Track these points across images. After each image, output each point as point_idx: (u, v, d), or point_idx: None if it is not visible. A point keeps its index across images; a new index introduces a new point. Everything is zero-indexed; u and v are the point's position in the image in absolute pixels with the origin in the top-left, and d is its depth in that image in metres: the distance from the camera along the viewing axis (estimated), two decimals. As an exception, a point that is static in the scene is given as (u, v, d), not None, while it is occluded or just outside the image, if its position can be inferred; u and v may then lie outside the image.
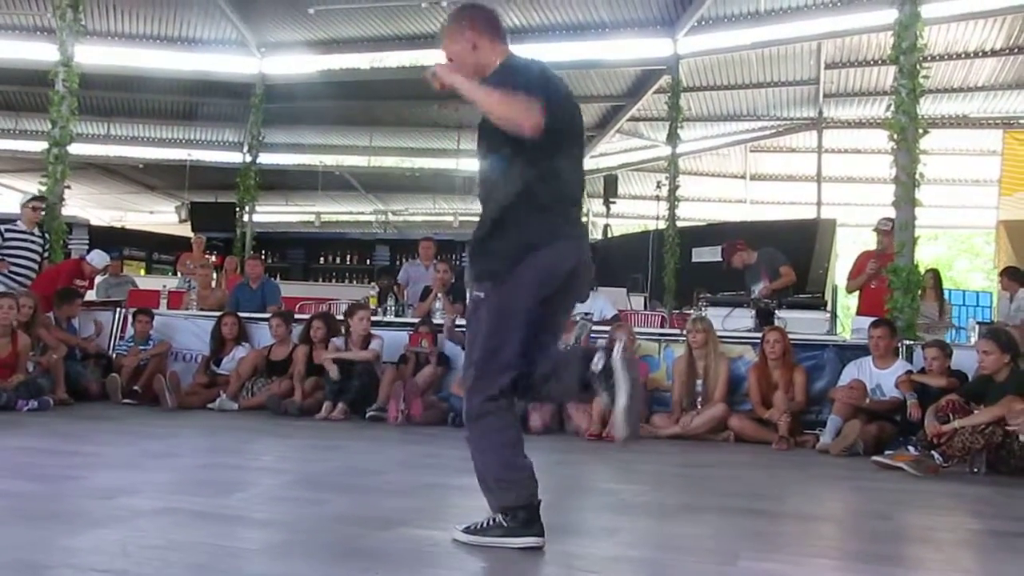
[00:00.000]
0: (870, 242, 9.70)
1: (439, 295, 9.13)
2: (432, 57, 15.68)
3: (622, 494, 4.69)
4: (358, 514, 3.68)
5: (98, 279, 12.13)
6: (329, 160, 20.53)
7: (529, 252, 2.99)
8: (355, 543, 3.13)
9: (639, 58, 15.81)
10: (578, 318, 7.91)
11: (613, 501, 4.50)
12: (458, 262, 18.50)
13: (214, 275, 12.50)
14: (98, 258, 9.69)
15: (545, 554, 3.01)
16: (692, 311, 8.73)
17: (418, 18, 14.94)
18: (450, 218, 22.60)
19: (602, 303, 8.97)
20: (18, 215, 9.25)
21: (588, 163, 19.56)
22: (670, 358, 7.98)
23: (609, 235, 18.32)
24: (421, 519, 3.61)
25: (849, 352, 7.70)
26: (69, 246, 13.90)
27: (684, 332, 7.84)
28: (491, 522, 3.05)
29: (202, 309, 9.73)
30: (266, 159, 17.45)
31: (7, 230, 8.90)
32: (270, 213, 23.00)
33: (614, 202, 17.24)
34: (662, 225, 14.12)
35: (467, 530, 3.08)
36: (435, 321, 8.55)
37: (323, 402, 7.79)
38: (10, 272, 8.70)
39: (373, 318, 8.58)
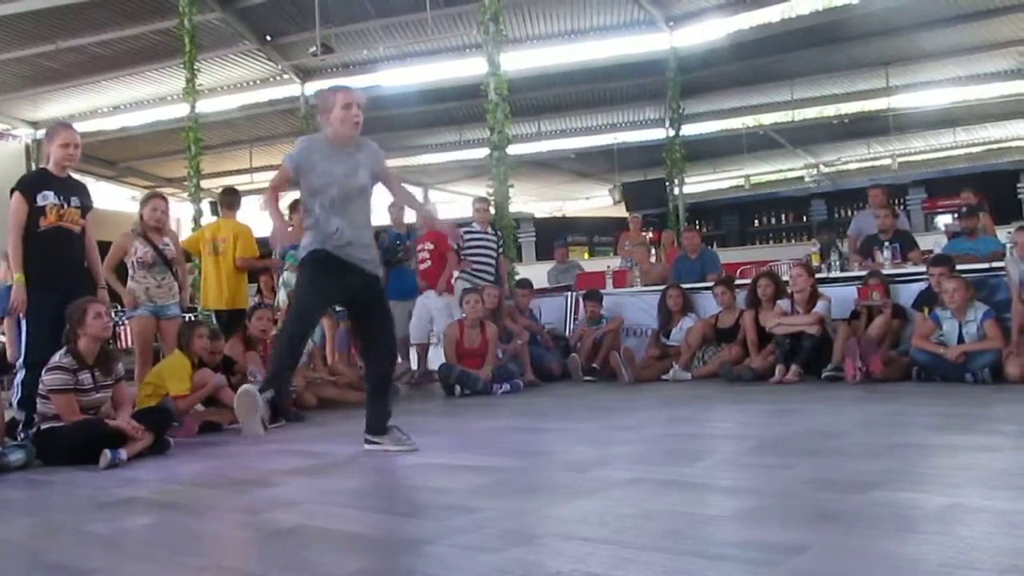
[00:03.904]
0: None
1: (886, 244, 8.60)
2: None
3: None
4: (827, 477, 3.57)
5: (547, 267, 13.00)
6: (751, 121, 20.22)
7: None
8: (829, 507, 3.03)
9: None
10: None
11: None
12: (902, 206, 17.37)
13: (652, 251, 12.83)
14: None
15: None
16: None
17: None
18: (888, 161, 21.24)
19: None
20: (472, 218, 10.09)
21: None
22: None
23: None
24: (895, 481, 3.42)
25: None
26: (519, 240, 15.03)
27: None
28: None
29: (645, 285, 10.01)
30: (688, 130, 17.57)
31: (466, 232, 9.74)
32: (699, 183, 23.14)
33: None
34: None
35: None
36: (885, 272, 8.08)
37: (775, 365, 7.67)
38: (472, 270, 9.53)
39: (818, 275, 8.31)
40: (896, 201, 17.35)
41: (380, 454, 4.71)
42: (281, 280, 8.70)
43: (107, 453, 4.72)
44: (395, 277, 9.47)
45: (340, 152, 4.64)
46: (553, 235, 16.89)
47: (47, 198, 5.56)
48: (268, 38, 17.36)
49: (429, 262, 9.48)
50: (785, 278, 8.29)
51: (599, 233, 21.24)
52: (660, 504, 3.25)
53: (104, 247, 6.56)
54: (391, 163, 20.17)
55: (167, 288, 6.85)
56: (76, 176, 6.05)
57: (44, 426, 5.03)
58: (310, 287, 4.70)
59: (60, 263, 5.59)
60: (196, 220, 12.80)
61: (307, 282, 4.71)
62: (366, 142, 4.80)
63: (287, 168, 4.65)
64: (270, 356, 4.97)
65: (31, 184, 5.67)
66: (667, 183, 16.71)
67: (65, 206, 5.64)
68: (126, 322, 12.57)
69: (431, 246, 9.45)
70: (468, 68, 16.54)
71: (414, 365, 9.59)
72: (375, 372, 4.95)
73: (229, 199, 8.51)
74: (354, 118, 4.60)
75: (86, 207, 5.81)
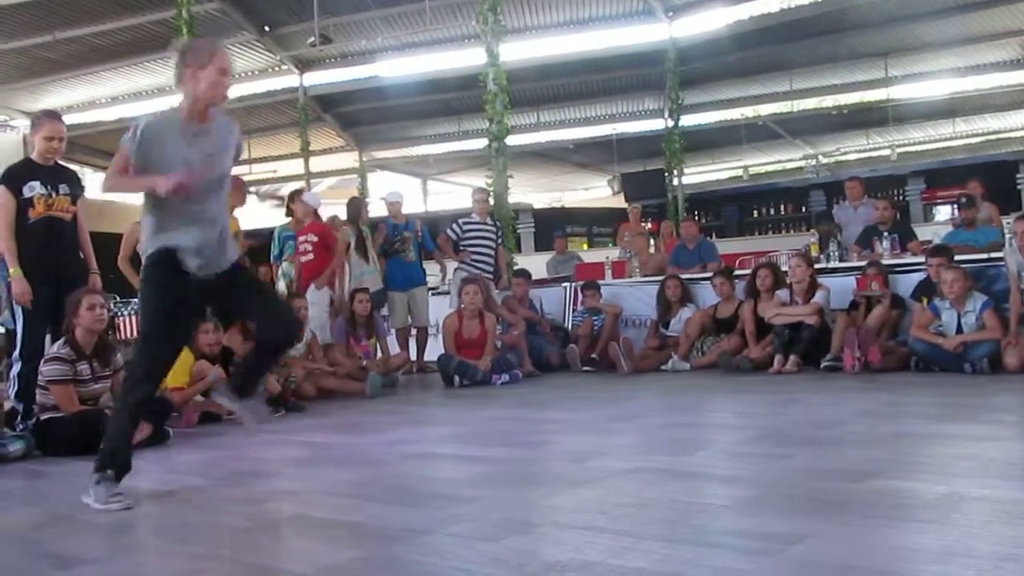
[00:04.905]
0: None
1: (884, 234, 8.60)
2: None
3: None
4: (825, 467, 3.57)
5: (546, 258, 12.99)
6: (750, 111, 20.20)
7: None
8: (826, 496, 3.04)
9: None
10: None
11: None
12: (900, 197, 17.35)
13: (651, 241, 12.83)
14: (311, 199, 9.41)
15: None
16: None
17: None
18: (887, 152, 21.22)
19: None
20: (471, 209, 10.08)
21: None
22: None
23: None
24: (894, 470, 3.42)
25: None
26: (518, 230, 15.03)
27: None
28: None
29: (644, 275, 10.01)
30: (687, 121, 17.58)
31: (465, 222, 9.71)
32: (698, 173, 23.12)
33: None
34: None
35: None
36: (884, 262, 8.08)
37: (774, 356, 7.67)
38: (471, 260, 9.52)
39: (817, 265, 8.31)
40: (894, 191, 17.37)
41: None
42: (280, 271, 8.68)
43: (106, 444, 4.72)
44: (394, 268, 9.46)
45: (192, 133, 3.66)
46: (552, 226, 16.87)
47: (33, 188, 5.42)
48: (266, 28, 17.34)
49: (312, 255, 8.67)
50: (784, 268, 8.29)
51: (598, 224, 21.22)
52: (658, 493, 3.26)
53: (106, 238, 6.53)
54: (389, 154, 20.14)
55: None
56: (69, 165, 5.95)
57: (43, 417, 5.03)
58: (158, 299, 3.72)
59: (53, 253, 5.50)
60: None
61: (154, 294, 3.73)
62: (219, 116, 3.80)
63: (126, 151, 3.63)
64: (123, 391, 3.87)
65: (15, 176, 5.50)
66: (666, 174, 16.71)
67: (53, 195, 5.49)
68: (126, 314, 12.62)
69: (315, 238, 8.70)
70: (467, 58, 16.51)
71: (413, 356, 9.57)
72: (273, 336, 3.89)
73: None
74: (226, 88, 3.68)
75: (76, 194, 5.70)
